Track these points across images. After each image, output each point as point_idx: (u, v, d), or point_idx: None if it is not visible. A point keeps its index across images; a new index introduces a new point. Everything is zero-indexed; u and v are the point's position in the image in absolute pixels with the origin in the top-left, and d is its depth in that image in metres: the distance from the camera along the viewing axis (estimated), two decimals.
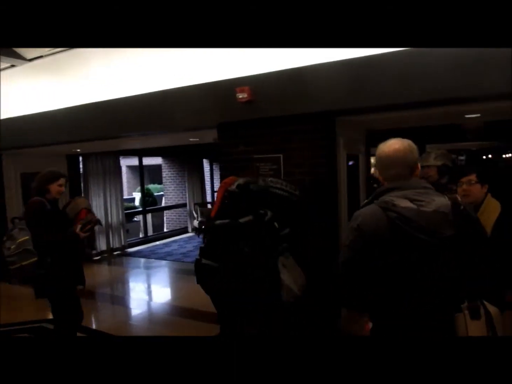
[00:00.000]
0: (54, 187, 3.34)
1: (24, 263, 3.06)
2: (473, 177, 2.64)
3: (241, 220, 2.83)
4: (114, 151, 8.39)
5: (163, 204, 12.29)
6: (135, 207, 11.47)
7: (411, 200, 1.57)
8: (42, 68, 5.09)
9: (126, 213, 9.12)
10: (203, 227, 3.07)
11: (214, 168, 12.38)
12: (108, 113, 4.62)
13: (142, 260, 8.16)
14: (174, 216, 11.30)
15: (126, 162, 16.30)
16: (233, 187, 3.05)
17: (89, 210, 3.46)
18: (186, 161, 10.63)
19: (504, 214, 2.47)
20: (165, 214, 11.39)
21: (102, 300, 5.90)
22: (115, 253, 8.59)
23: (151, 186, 15.37)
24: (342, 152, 3.90)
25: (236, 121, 3.87)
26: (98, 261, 8.03)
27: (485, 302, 1.58)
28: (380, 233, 1.58)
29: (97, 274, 7.27)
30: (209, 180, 12.38)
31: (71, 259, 3.35)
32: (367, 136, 4.85)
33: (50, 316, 3.48)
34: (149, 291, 6.50)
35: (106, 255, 8.37)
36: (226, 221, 2.85)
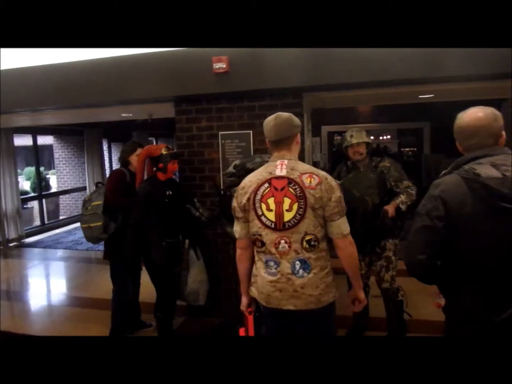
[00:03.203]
0: (133, 158, 3.49)
1: (92, 224, 3.33)
2: None
3: None
4: (5, 128, 7.25)
5: (54, 189, 11.11)
6: (26, 192, 10.13)
7: (495, 166, 1.51)
8: None
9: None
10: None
11: (112, 148, 11.51)
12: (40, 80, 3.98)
13: (47, 251, 7.25)
14: (70, 201, 10.28)
15: None
16: (230, 168, 3.03)
17: None
18: (85, 141, 9.65)
19: None
20: (60, 199, 10.31)
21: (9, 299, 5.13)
22: (11, 244, 7.51)
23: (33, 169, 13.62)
24: (306, 130, 3.92)
25: (199, 94, 3.63)
26: None
27: None
28: (463, 205, 1.51)
29: None
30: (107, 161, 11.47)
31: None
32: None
33: None
34: (66, 286, 5.82)
35: (0, 247, 7.28)
36: None
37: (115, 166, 11.70)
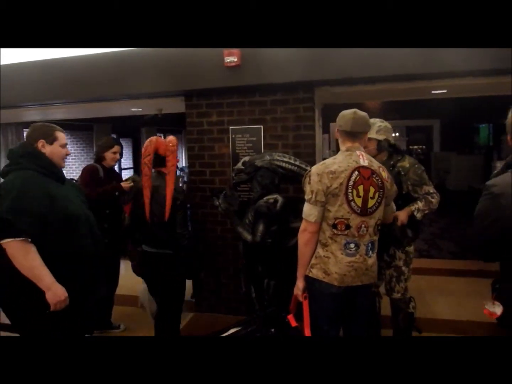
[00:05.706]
0: (108, 155, 3.57)
1: None
2: None
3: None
4: (15, 123, 7.29)
5: None
6: None
7: None
8: None
9: None
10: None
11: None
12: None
13: None
14: None
15: None
16: (239, 164, 3.02)
17: None
18: (94, 136, 9.67)
19: None
20: None
21: None
22: None
23: None
24: (317, 125, 3.89)
25: (209, 88, 3.60)
26: None
27: None
28: None
29: None
30: None
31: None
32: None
33: None
34: None
35: None
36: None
37: (123, 161, 11.74)
